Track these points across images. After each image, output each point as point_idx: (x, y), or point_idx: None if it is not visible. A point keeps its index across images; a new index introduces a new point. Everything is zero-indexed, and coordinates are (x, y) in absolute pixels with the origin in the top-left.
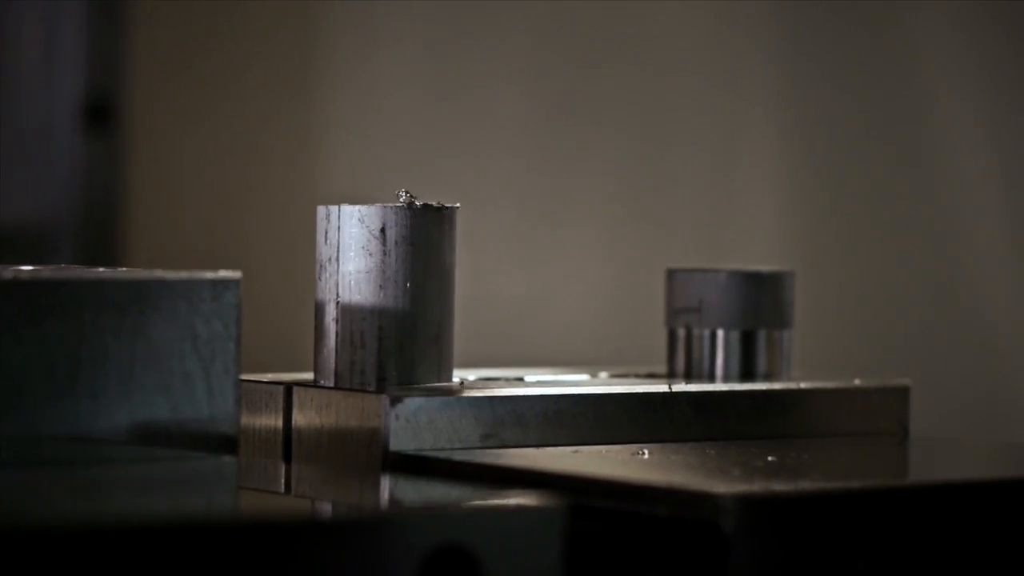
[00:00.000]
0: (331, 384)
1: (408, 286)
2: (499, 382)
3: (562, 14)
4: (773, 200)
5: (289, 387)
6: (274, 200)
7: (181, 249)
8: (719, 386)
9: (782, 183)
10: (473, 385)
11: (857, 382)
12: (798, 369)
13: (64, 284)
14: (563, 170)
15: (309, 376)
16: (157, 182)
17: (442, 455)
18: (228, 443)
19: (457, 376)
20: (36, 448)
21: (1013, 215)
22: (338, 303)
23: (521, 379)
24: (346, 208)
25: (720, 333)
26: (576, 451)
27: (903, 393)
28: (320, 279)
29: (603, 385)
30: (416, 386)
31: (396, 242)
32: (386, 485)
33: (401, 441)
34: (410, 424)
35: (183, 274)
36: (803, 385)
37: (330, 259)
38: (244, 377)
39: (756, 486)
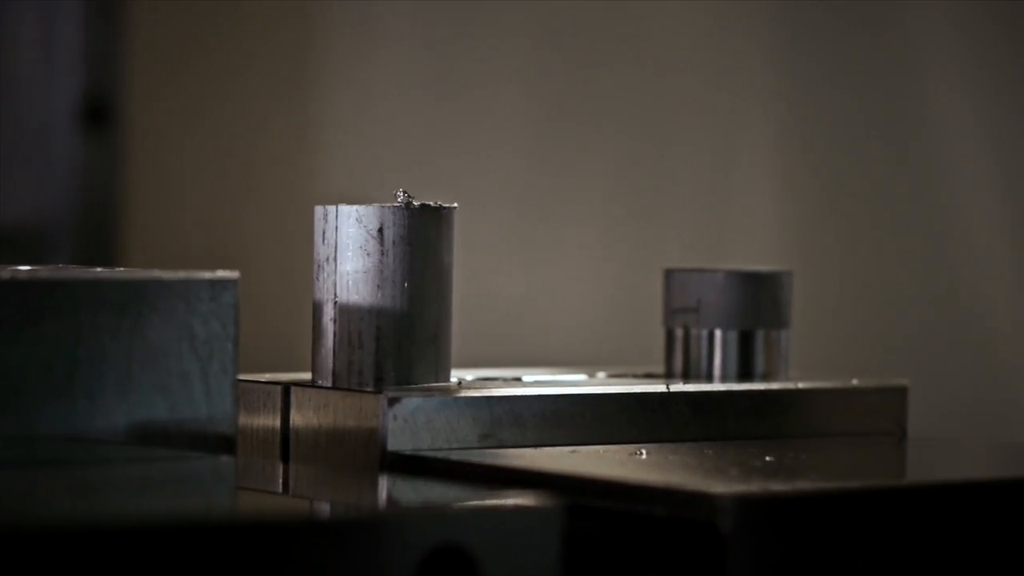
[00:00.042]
0: (329, 384)
1: (406, 286)
2: (497, 382)
3: (561, 14)
4: (772, 200)
5: (287, 387)
6: (272, 200)
7: (179, 249)
8: (717, 386)
9: (781, 183)
10: (471, 385)
11: (855, 382)
12: (796, 369)
13: (62, 284)
14: (561, 170)
15: (307, 376)
16: (155, 182)
17: (440, 455)
18: (226, 443)
19: (455, 376)
20: (34, 448)
21: (1012, 214)
22: (336, 303)
23: (519, 379)
24: (344, 208)
25: (718, 333)
26: (574, 451)
27: (901, 393)
28: (318, 279)
29: (601, 385)
30: (414, 386)
31: (394, 242)
32: (384, 485)
33: (399, 441)
34: (408, 424)
35: (181, 274)
36: (801, 385)
37: (328, 259)
38: (242, 377)
39: (754, 486)
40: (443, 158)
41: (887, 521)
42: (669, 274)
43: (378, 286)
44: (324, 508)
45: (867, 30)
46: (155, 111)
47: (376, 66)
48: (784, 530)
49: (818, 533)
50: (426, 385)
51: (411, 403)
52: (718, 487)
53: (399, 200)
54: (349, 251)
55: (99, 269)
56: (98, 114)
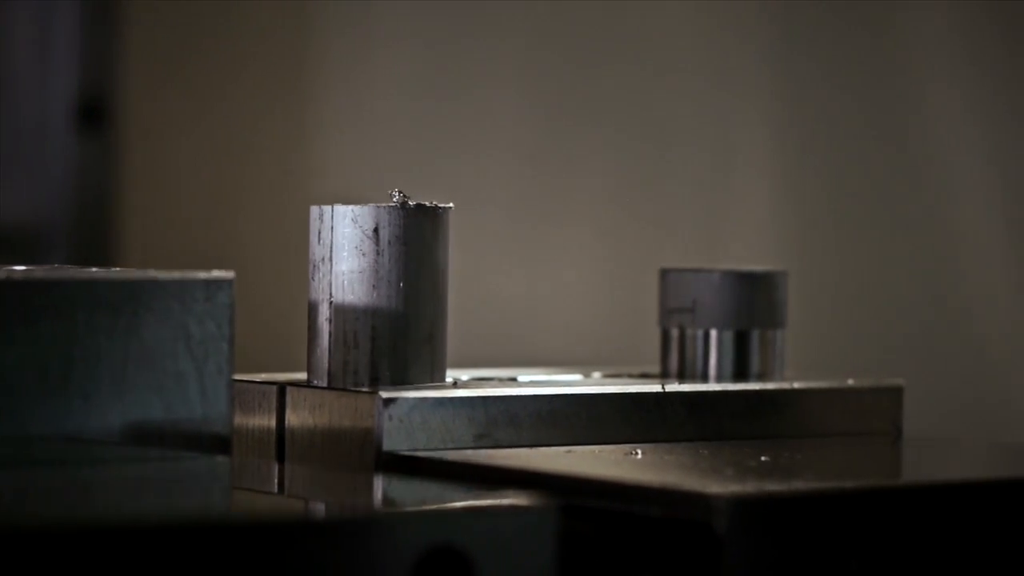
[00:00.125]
0: (324, 384)
1: (401, 286)
2: (492, 382)
3: (558, 15)
4: (768, 200)
5: (282, 387)
6: (268, 200)
7: (175, 249)
8: (712, 386)
9: (777, 183)
10: (466, 385)
11: (851, 382)
12: (791, 369)
13: (57, 284)
14: (558, 170)
15: (302, 376)
16: (151, 182)
17: (435, 455)
18: (221, 443)
19: (450, 376)
20: (28, 448)
21: (1008, 214)
22: (331, 303)
23: (514, 379)
24: (339, 208)
25: (713, 333)
26: (569, 451)
27: (897, 393)
28: (313, 279)
29: (596, 385)
30: (409, 386)
31: (389, 242)
32: (379, 485)
33: (394, 441)
34: (403, 424)
35: (176, 274)
36: (797, 385)
37: (323, 259)
38: (237, 377)
39: (749, 486)
40: (439, 158)
41: (882, 521)
42: (665, 274)
43: (373, 286)
44: (319, 508)
45: (864, 30)
46: (151, 111)
47: (373, 66)
48: (779, 530)
49: (813, 533)
50: (422, 385)
51: (406, 403)
52: (713, 487)
53: (395, 200)
54: (345, 251)
55: (94, 269)
56: (94, 114)
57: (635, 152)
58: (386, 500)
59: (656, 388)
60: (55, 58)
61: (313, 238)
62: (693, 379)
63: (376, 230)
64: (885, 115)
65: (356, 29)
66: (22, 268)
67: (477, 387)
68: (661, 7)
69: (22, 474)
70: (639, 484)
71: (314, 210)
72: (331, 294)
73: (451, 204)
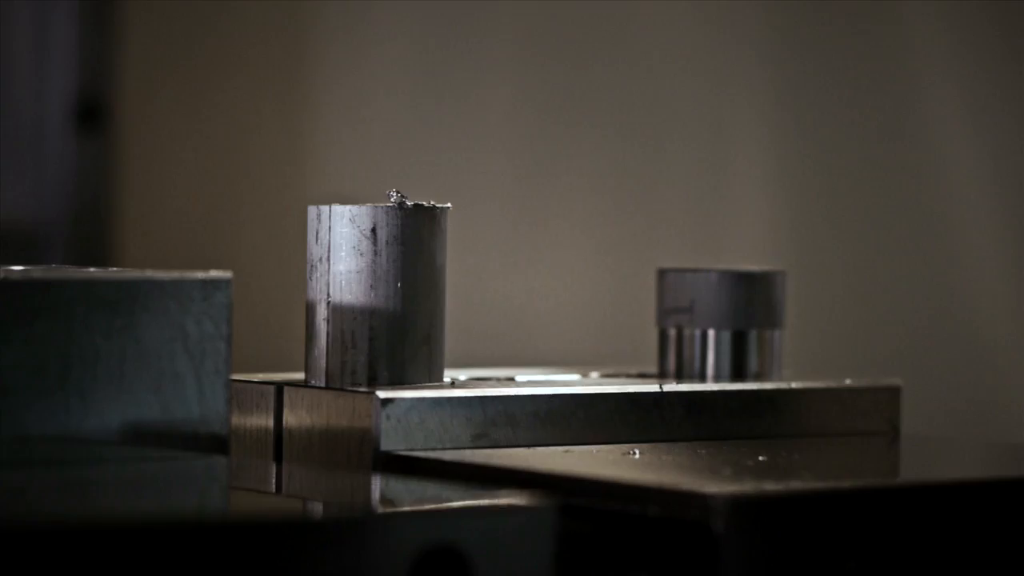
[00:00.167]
0: (322, 384)
1: (399, 286)
2: (490, 382)
3: (553, 14)
4: (765, 200)
5: (280, 387)
6: (265, 200)
7: (172, 249)
8: (710, 386)
9: (774, 183)
10: (464, 385)
11: (848, 382)
12: (789, 369)
13: (54, 284)
14: (555, 170)
15: (300, 376)
16: (148, 182)
17: (433, 455)
18: (219, 443)
19: (448, 376)
20: (26, 448)
21: (1006, 215)
22: (329, 303)
23: (512, 379)
24: (337, 208)
25: (711, 333)
26: (567, 451)
27: (894, 393)
28: (311, 279)
29: (594, 385)
30: (407, 386)
31: (387, 242)
32: (377, 485)
33: (392, 441)
34: (401, 424)
35: (174, 274)
36: (794, 385)
37: (321, 259)
38: (235, 377)
39: (746, 486)
40: (437, 158)
41: (879, 521)
42: (662, 274)
43: (371, 286)
44: (317, 508)
45: (861, 29)
46: (148, 111)
47: (370, 67)
48: (777, 530)
49: (811, 533)
50: (419, 385)
51: (404, 403)
52: (711, 487)
53: (392, 200)
54: (342, 251)
55: (92, 269)
56: (91, 114)
57: (633, 152)
58: (384, 500)
59: (654, 388)
60: (53, 59)
61: (311, 238)
62: (691, 379)
63: (374, 230)
64: (883, 114)
65: (352, 30)
66: (20, 268)
67: (475, 387)
68: (658, 7)
69: (19, 474)
70: (637, 484)
71: (312, 210)
72: (329, 294)
73: (449, 204)
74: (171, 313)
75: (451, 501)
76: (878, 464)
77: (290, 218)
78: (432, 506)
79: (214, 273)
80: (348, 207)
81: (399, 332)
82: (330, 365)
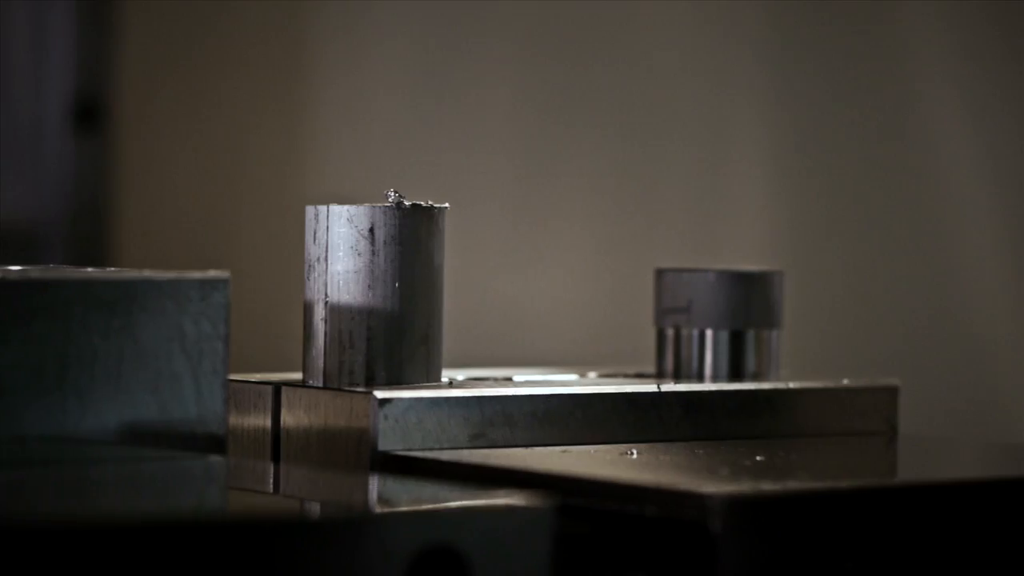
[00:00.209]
0: (320, 384)
1: (397, 286)
2: (488, 382)
3: (552, 14)
4: (763, 200)
5: (278, 387)
6: (263, 200)
7: (170, 249)
8: (708, 386)
9: (773, 183)
10: (462, 385)
11: (846, 382)
12: (787, 369)
13: (52, 284)
14: (553, 170)
15: (298, 376)
16: (146, 182)
17: (430, 455)
18: (216, 443)
19: (446, 376)
20: (23, 448)
21: (1004, 215)
22: (327, 303)
23: (510, 379)
24: (335, 208)
25: (709, 333)
26: (565, 451)
27: (891, 393)
28: (309, 279)
29: (592, 385)
30: (405, 386)
31: (385, 242)
32: (374, 485)
33: (389, 441)
34: (398, 424)
35: (171, 274)
36: (792, 385)
37: (319, 259)
38: (232, 377)
39: (744, 486)
40: (436, 158)
41: (877, 521)
42: (660, 274)
43: (369, 286)
44: (314, 508)
45: (859, 29)
46: (146, 111)
47: (368, 67)
48: (774, 530)
49: (808, 533)
50: (417, 385)
51: (402, 403)
52: (708, 487)
53: (390, 200)
54: (340, 251)
55: (90, 269)
56: (89, 114)
57: (631, 152)
58: (381, 500)
59: (652, 388)
60: (51, 58)
61: (309, 238)
62: (689, 379)
63: (372, 230)
64: (881, 114)
65: (352, 30)
66: (18, 268)
67: (473, 387)
68: (658, 7)
69: (17, 474)
70: (634, 484)
71: (309, 210)
72: (327, 294)
73: (447, 204)
74: (169, 313)
75: (449, 501)
76: (876, 464)
77: (289, 218)
78: (430, 506)
79: (212, 273)
80: (346, 207)
81: (397, 332)
82: (328, 365)
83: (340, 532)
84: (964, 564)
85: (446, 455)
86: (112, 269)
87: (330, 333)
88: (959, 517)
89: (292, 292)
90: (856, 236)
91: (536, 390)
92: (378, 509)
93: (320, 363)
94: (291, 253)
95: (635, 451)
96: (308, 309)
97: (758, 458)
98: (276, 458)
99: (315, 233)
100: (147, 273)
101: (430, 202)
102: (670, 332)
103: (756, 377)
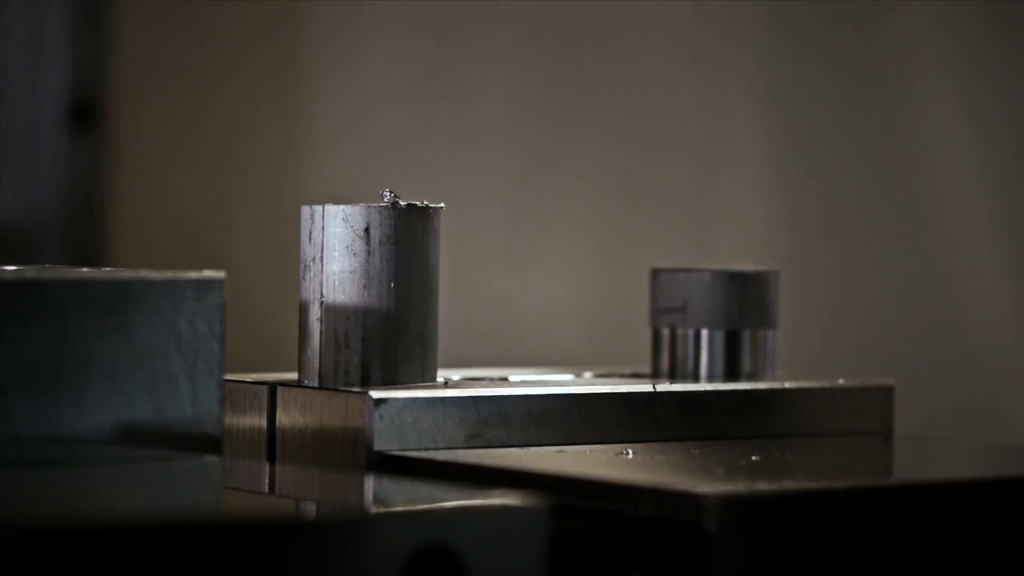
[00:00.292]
0: (315, 384)
1: (392, 286)
2: (483, 382)
3: (550, 15)
4: (760, 200)
5: (273, 387)
6: (259, 200)
7: (166, 249)
8: (703, 386)
9: (769, 183)
10: (457, 385)
11: (841, 382)
12: (782, 369)
13: (47, 284)
14: (549, 170)
15: (293, 376)
16: (142, 182)
17: (426, 455)
18: (212, 443)
19: (441, 376)
20: (18, 448)
21: (1001, 215)
22: (322, 303)
23: (505, 379)
24: (330, 208)
25: (704, 333)
26: (560, 451)
27: (887, 393)
28: (304, 279)
29: (587, 385)
30: (400, 386)
31: (380, 242)
32: (370, 485)
33: (385, 441)
34: (394, 424)
35: (167, 274)
36: (787, 385)
37: (314, 259)
38: (228, 377)
39: (740, 486)
40: (431, 158)
41: (873, 520)
42: (656, 274)
43: (364, 286)
44: (310, 508)
45: (857, 29)
46: (142, 111)
47: (364, 66)
48: (770, 530)
49: (804, 532)
50: (412, 385)
51: (397, 403)
52: (704, 487)
53: (385, 200)
54: (336, 251)
55: (85, 269)
56: (85, 114)
57: (627, 152)
58: (377, 500)
59: (647, 388)
60: (47, 58)
61: (304, 238)
62: (684, 379)
63: (367, 230)
64: (878, 114)
65: (348, 29)
66: (12, 268)
67: (468, 387)
68: (657, 7)
69: (11, 474)
70: (630, 484)
71: (305, 210)
72: (322, 294)
73: (442, 204)
74: (164, 313)
75: (444, 501)
76: (871, 464)
77: (284, 218)
78: (425, 506)
79: (207, 273)
80: (341, 207)
81: (392, 332)
82: (323, 365)
83: (336, 532)
84: (960, 564)
85: (442, 455)
86: (107, 269)
87: (326, 333)
88: (955, 517)
89: (288, 292)
90: (852, 236)
91: (532, 390)
92: (374, 509)
93: (316, 363)
94: (287, 253)
95: (631, 451)
96: (304, 309)
97: (754, 458)
98: (272, 458)
99: (311, 233)
100: (143, 273)
101: (425, 202)
102: (666, 332)
103: (752, 377)
